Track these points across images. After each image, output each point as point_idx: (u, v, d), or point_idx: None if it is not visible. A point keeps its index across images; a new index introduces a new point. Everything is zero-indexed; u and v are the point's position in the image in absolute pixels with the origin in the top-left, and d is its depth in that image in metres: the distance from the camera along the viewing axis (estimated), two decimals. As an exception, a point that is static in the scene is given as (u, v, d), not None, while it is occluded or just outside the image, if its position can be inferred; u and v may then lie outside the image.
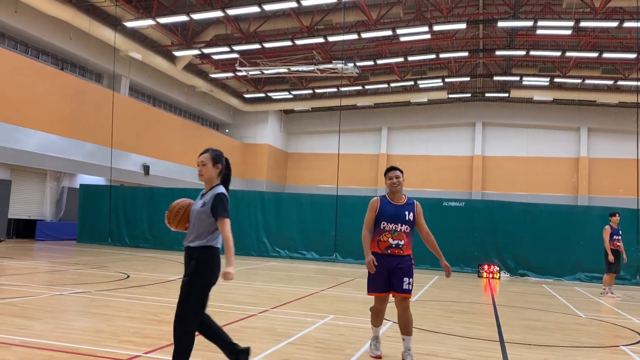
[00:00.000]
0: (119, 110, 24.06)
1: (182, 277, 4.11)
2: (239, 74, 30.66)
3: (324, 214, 19.01)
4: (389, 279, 5.12)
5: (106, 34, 23.52)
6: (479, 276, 16.44)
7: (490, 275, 16.34)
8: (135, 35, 26.09)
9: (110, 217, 21.30)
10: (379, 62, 28.68)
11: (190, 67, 30.72)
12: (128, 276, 11.19)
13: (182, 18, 22.85)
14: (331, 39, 24.85)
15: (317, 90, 35.05)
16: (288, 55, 28.77)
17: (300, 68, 28.12)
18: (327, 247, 18.90)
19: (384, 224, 5.21)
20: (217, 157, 4.40)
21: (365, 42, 27.97)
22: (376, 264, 5.15)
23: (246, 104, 37.76)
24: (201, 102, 35.18)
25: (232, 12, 22.24)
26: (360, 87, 33.92)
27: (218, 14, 22.42)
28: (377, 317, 5.39)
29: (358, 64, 27.25)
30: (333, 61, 27.50)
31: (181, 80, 31.13)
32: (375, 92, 35.53)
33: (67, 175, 23.90)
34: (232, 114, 39.73)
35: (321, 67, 27.60)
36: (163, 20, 23.25)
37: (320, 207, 19.20)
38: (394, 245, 5.16)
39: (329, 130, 39.20)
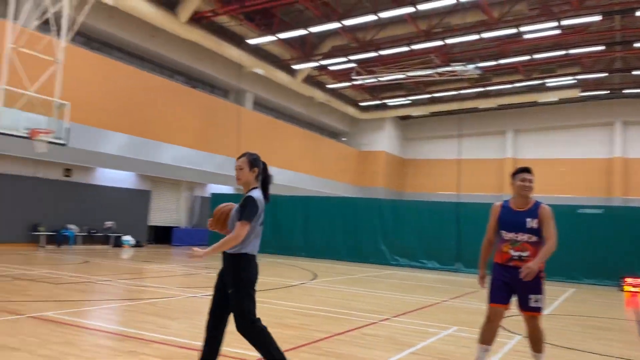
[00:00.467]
0: (245, 123, 25.44)
1: (229, 283, 4.14)
2: (355, 82, 30.97)
3: (445, 222, 18.46)
4: (511, 292, 4.66)
5: (232, 52, 25.02)
6: (620, 290, 14.93)
7: (636, 289, 14.74)
8: (258, 52, 27.44)
9: (237, 224, 22.45)
10: (502, 61, 27.35)
11: (309, 79, 31.62)
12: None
13: (301, 32, 23.60)
14: (450, 41, 24.19)
15: (436, 94, 34.28)
16: (405, 60, 28.50)
17: (417, 73, 27.71)
18: (448, 256, 18.31)
19: (504, 232, 4.71)
20: (254, 161, 4.43)
21: (486, 42, 26.85)
22: (485, 282, 4.87)
23: (362, 111, 38.00)
24: (319, 112, 36.04)
25: (348, 22, 22.55)
26: (481, 89, 32.60)
27: (335, 25, 22.85)
28: (487, 331, 4.77)
29: (479, 65, 26.22)
30: (452, 64, 26.73)
31: (301, 92, 32.17)
32: (499, 94, 33.93)
33: (199, 185, 25.72)
34: (349, 122, 40.20)
35: (439, 70, 26.97)
36: (283, 35, 24.20)
37: (440, 215, 18.68)
38: (515, 257, 4.61)
39: (448, 135, 38.14)
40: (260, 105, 31.89)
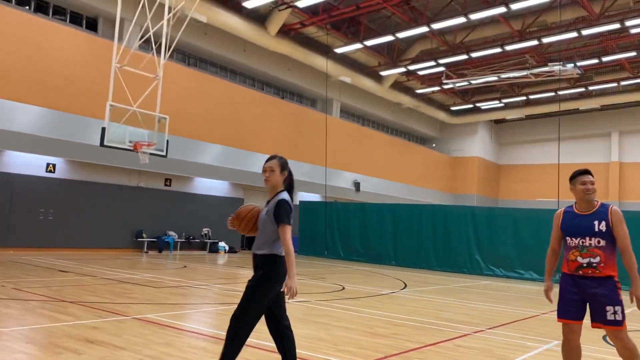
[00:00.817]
0: (332, 131, 25.69)
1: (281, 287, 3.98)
2: (445, 87, 30.28)
3: (543, 231, 17.34)
4: (583, 305, 4.24)
5: (319, 62, 25.41)
6: None
7: None
8: (345, 60, 27.65)
9: (326, 232, 22.69)
10: (605, 59, 25.58)
11: (396, 85, 31.36)
12: (343, 288, 11.70)
13: (388, 38, 23.48)
14: (546, 40, 22.99)
15: (532, 96, 32.69)
16: (497, 62, 27.47)
17: (511, 74, 26.59)
18: (548, 266, 17.26)
19: (568, 239, 4.36)
20: (285, 164, 4.21)
21: (586, 40, 25.24)
22: (551, 290, 4.55)
23: (453, 116, 37.04)
24: (407, 118, 35.60)
25: (437, 26, 22.13)
26: (582, 89, 30.65)
27: (423, 29, 22.51)
28: (567, 351, 4.36)
29: (579, 64, 24.69)
30: (549, 63, 25.38)
31: (388, 99, 31.97)
32: (602, 93, 31.73)
33: (288, 193, 26.22)
34: (438, 127, 39.34)
35: (535, 71, 25.70)
36: (370, 42, 24.22)
37: (538, 223, 17.66)
38: (585, 265, 4.22)
39: (546, 139, 36.18)
40: (347, 112, 32.08)
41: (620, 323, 4.11)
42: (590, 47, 26.14)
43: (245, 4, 20.34)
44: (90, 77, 17.54)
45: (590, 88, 30.44)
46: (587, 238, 4.25)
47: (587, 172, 4.59)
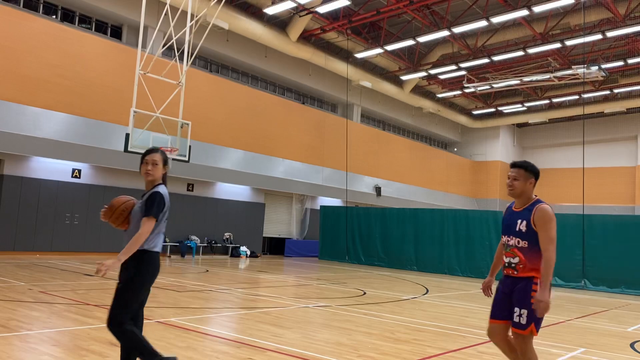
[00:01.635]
0: (352, 136, 25.69)
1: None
2: (466, 91, 30.06)
3: (568, 236, 17.13)
4: (509, 305, 3.98)
5: (339, 67, 25.46)
6: None
7: None
8: (365, 65, 27.65)
9: (347, 236, 22.66)
10: (631, 61, 25.11)
11: (417, 90, 31.24)
12: (364, 293, 11.67)
13: (409, 43, 23.42)
14: (569, 42, 22.67)
15: (555, 100, 32.24)
16: (520, 65, 27.19)
17: (534, 78, 26.27)
18: (573, 273, 16.95)
19: (502, 236, 4.16)
20: (167, 159, 4.17)
21: (611, 42, 24.84)
22: (490, 287, 4.40)
23: (475, 120, 36.74)
24: (428, 123, 35.41)
25: (458, 29, 21.99)
26: (607, 92, 30.11)
27: (444, 33, 22.40)
28: (504, 352, 4.15)
29: (603, 66, 24.27)
30: (573, 66, 25.01)
31: (408, 103, 31.86)
32: (628, 96, 31.12)
33: (309, 198, 26.31)
34: (460, 131, 39.05)
35: (558, 74, 25.35)
36: (390, 47, 24.18)
37: (562, 228, 17.22)
38: (507, 264, 4.02)
39: (570, 143, 35.62)
40: (368, 117, 32.05)
41: (523, 327, 3.86)
42: (615, 49, 25.70)
43: (267, 11, 20.51)
44: (114, 84, 17.86)
45: (616, 91, 29.90)
46: (511, 237, 4.02)
47: (513, 164, 4.14)
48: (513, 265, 3.98)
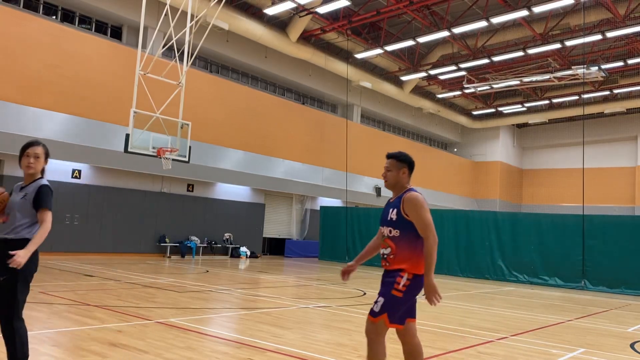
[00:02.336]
0: (352, 136, 25.69)
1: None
2: (466, 91, 30.07)
3: (568, 236, 17.15)
4: None
5: (339, 67, 25.47)
6: None
7: None
8: (365, 65, 27.65)
9: (347, 237, 22.66)
10: (631, 61, 25.12)
11: (417, 90, 31.25)
12: (364, 293, 11.67)
13: (409, 43, 23.42)
14: (569, 43, 22.67)
15: (555, 100, 32.25)
16: (519, 66, 27.20)
17: (534, 78, 26.28)
18: (573, 273, 16.96)
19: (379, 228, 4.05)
20: (48, 153, 4.24)
21: (611, 42, 24.86)
22: (349, 272, 4.29)
23: (475, 120, 36.74)
24: (428, 123, 35.42)
25: (458, 30, 22.00)
26: (607, 92, 30.11)
27: (444, 34, 22.40)
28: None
29: (603, 66, 24.28)
30: (573, 67, 25.02)
31: (408, 104, 31.87)
32: (628, 96, 31.13)
33: (309, 198, 26.31)
34: (460, 132, 39.06)
35: (558, 74, 25.36)
36: (390, 47, 24.19)
37: (562, 228, 17.40)
38: (381, 256, 3.94)
39: (570, 143, 35.64)
40: (368, 118, 32.07)
41: (374, 314, 3.73)
42: (615, 49, 25.72)
43: (266, 11, 20.52)
44: (114, 84, 17.86)
45: (616, 91, 29.91)
46: (385, 227, 3.93)
47: (386, 156, 4.12)
48: (385, 256, 3.90)
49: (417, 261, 3.79)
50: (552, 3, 19.13)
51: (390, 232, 3.89)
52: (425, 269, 3.73)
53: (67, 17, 19.08)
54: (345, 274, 4.30)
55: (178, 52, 15.18)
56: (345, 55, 25.51)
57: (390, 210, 3.92)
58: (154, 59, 14.90)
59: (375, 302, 3.77)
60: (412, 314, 3.91)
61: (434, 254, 3.73)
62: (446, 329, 7.74)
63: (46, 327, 6.27)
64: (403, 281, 3.75)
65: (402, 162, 4.05)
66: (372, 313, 3.76)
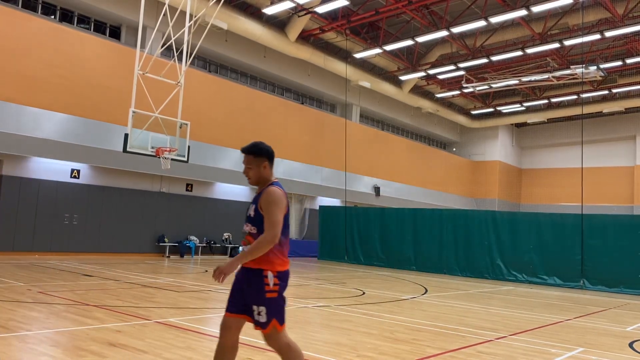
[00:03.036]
0: (351, 136, 25.69)
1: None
2: (465, 91, 30.09)
3: (567, 236, 17.17)
4: (242, 298, 3.71)
5: (338, 67, 25.47)
6: None
7: None
8: (364, 65, 27.65)
9: (346, 236, 22.66)
10: (629, 61, 25.15)
11: (416, 90, 31.25)
12: (364, 293, 11.67)
13: (408, 43, 23.42)
14: (568, 42, 22.69)
15: (554, 100, 32.27)
16: (518, 65, 27.22)
17: (532, 78, 26.30)
18: (572, 273, 16.98)
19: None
20: None
21: (610, 42, 24.89)
22: (225, 278, 3.84)
23: (474, 120, 36.76)
24: (427, 123, 35.43)
25: (456, 29, 22.00)
26: (606, 92, 30.14)
27: (443, 33, 22.41)
28: (218, 352, 3.74)
29: (602, 66, 24.31)
30: (571, 66, 25.04)
31: (407, 103, 31.87)
32: (626, 96, 31.17)
33: (308, 198, 26.31)
34: (459, 131, 39.07)
35: (557, 74, 25.38)
36: (389, 47, 24.19)
37: (562, 228, 17.41)
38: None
39: (568, 143, 35.69)
40: (367, 117, 32.07)
41: (264, 325, 3.58)
42: (613, 48, 25.75)
43: (265, 11, 20.50)
44: (113, 84, 17.85)
45: (614, 90, 29.95)
46: (246, 224, 3.75)
47: (241, 150, 3.85)
48: None
49: (280, 257, 3.72)
50: (551, 3, 19.13)
51: (250, 229, 3.71)
52: (245, 251, 3.56)
53: (66, 16, 19.06)
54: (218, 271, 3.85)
55: (177, 52, 15.17)
56: (344, 55, 25.51)
57: (251, 205, 3.73)
58: (152, 59, 14.88)
59: (258, 314, 3.57)
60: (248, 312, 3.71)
61: (262, 249, 3.55)
62: (446, 328, 7.74)
63: (45, 327, 6.26)
64: (271, 280, 3.63)
65: (260, 155, 3.79)
66: (260, 325, 3.58)
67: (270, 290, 3.61)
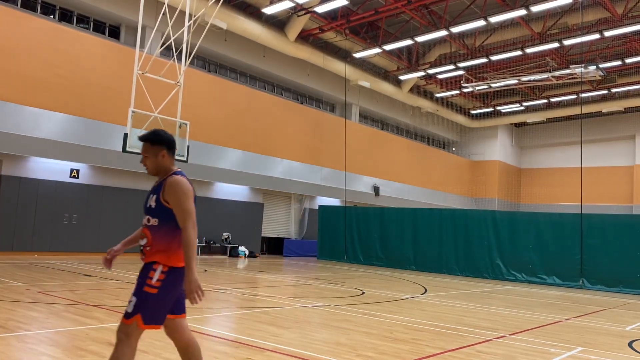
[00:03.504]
0: (351, 136, 25.69)
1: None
2: (465, 90, 30.09)
3: (566, 235, 17.18)
4: None
5: (338, 66, 25.46)
6: None
7: None
8: (364, 65, 27.65)
9: (346, 236, 22.66)
10: (629, 60, 25.15)
11: (416, 89, 31.25)
12: (363, 293, 11.67)
13: (407, 42, 23.42)
14: (567, 42, 22.69)
15: (553, 99, 32.28)
16: (518, 65, 27.22)
17: (532, 77, 26.31)
18: (571, 272, 16.99)
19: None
20: None
21: (609, 41, 24.88)
22: (111, 260, 3.84)
23: (473, 120, 36.76)
24: (427, 122, 35.43)
25: (456, 29, 21.99)
26: (605, 92, 30.15)
27: (442, 33, 22.41)
28: (180, 355, 3.62)
29: (601, 65, 24.32)
30: (571, 66, 25.06)
31: (407, 103, 31.87)
32: (626, 95, 31.18)
33: (308, 198, 26.30)
34: (458, 131, 39.07)
35: (556, 73, 25.39)
36: (389, 47, 24.18)
37: (561, 227, 17.42)
38: (139, 249, 3.52)
39: (568, 142, 35.70)
40: (366, 117, 32.07)
41: (127, 315, 3.30)
42: (613, 48, 25.76)
43: (265, 10, 20.49)
44: (112, 84, 17.84)
45: (613, 90, 29.95)
46: (145, 216, 3.50)
47: (139, 139, 3.58)
48: (142, 248, 3.49)
49: (175, 253, 3.43)
50: (550, 2, 19.13)
51: (148, 220, 3.46)
52: (186, 261, 3.33)
53: (65, 16, 19.04)
54: (108, 261, 3.84)
55: (176, 52, 15.17)
56: (344, 55, 25.50)
57: (151, 196, 3.48)
58: (152, 59, 14.88)
59: (129, 302, 3.33)
60: (179, 310, 3.53)
61: (193, 245, 3.37)
62: (445, 328, 7.75)
63: (44, 327, 6.26)
64: (157, 275, 3.35)
65: (157, 143, 3.53)
66: (125, 315, 3.31)
67: (151, 284, 3.32)
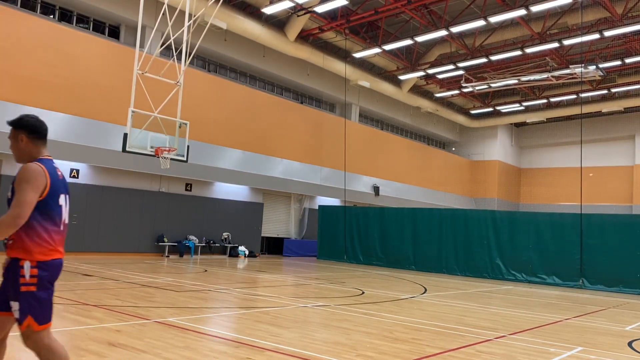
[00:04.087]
0: (351, 135, 25.70)
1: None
2: (464, 90, 30.09)
3: (566, 235, 17.19)
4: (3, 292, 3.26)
5: (337, 66, 25.46)
6: None
7: None
8: (364, 65, 27.65)
9: (345, 236, 22.66)
10: (628, 60, 25.15)
11: (415, 89, 31.26)
12: (363, 292, 11.67)
13: (407, 42, 23.42)
14: (567, 42, 22.69)
15: (553, 99, 32.28)
16: (517, 65, 27.22)
17: (531, 77, 26.31)
18: (571, 272, 17.00)
19: None
20: None
21: (609, 41, 24.89)
22: None
23: (473, 120, 36.77)
24: (427, 122, 35.44)
25: (456, 29, 21.99)
26: (605, 91, 30.15)
27: (442, 33, 22.41)
28: None
29: (601, 65, 24.32)
30: (570, 66, 25.06)
31: (407, 103, 31.87)
32: (625, 95, 31.19)
33: (307, 198, 26.31)
34: (458, 131, 39.07)
35: (556, 73, 25.39)
36: (388, 46, 24.18)
37: (561, 227, 17.43)
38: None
39: (568, 142, 35.70)
40: (366, 117, 32.08)
41: (19, 322, 3.15)
42: (612, 48, 25.76)
43: (265, 10, 20.49)
44: (112, 83, 17.83)
45: (613, 90, 29.95)
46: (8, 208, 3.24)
47: (8, 123, 3.35)
48: (4, 242, 3.23)
49: (41, 245, 3.21)
50: (550, 2, 19.13)
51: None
52: None
53: (65, 16, 19.04)
54: None
55: (176, 52, 15.16)
56: (344, 55, 25.50)
57: (10, 187, 3.25)
58: (152, 59, 14.87)
59: (15, 310, 3.16)
60: (4, 307, 3.28)
61: (6, 230, 3.09)
62: (445, 327, 7.75)
63: (44, 326, 6.25)
64: (27, 272, 3.15)
65: (18, 128, 3.32)
66: (17, 323, 3.18)
67: (26, 282, 3.13)
